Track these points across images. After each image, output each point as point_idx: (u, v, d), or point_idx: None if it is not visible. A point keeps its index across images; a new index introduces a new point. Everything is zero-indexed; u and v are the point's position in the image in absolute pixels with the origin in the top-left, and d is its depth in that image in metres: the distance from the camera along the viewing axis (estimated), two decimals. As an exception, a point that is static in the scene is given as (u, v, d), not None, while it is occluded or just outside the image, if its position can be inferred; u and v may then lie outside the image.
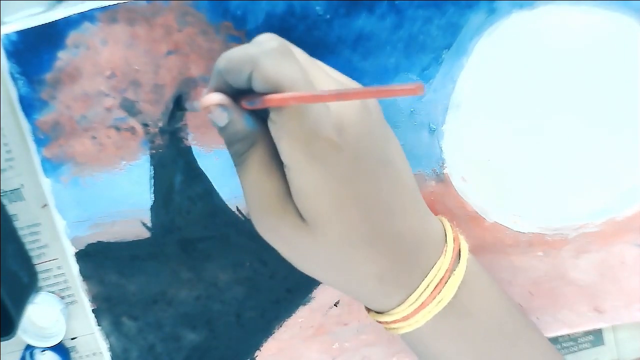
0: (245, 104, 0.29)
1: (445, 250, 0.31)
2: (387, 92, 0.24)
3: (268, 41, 0.28)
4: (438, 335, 0.32)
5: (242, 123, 0.29)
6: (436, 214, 0.33)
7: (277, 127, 0.28)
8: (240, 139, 0.29)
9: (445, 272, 0.30)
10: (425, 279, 0.30)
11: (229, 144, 0.30)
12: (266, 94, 0.27)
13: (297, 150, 0.28)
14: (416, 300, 0.30)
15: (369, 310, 0.33)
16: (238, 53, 0.28)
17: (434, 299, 0.30)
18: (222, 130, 0.30)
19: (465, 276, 0.31)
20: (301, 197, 0.29)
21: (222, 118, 0.29)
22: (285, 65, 0.27)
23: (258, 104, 0.28)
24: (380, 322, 0.32)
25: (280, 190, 0.29)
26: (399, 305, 0.31)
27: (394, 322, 0.31)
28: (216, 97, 0.29)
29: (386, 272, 0.30)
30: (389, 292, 0.31)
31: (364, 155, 0.29)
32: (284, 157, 0.28)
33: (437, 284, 0.30)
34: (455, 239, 0.32)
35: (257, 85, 0.28)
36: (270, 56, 0.27)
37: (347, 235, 0.29)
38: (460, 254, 0.32)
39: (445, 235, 0.32)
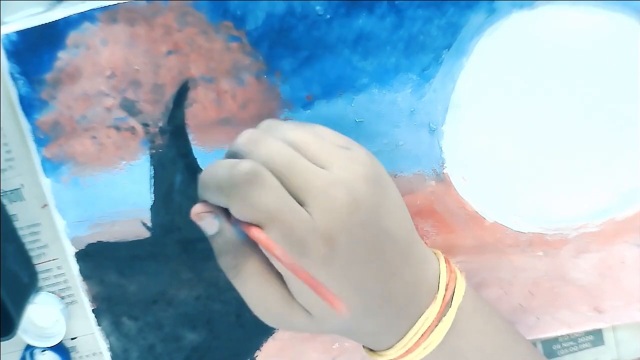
0: (232, 221, 0.29)
1: (436, 298, 0.31)
2: (320, 291, 0.26)
3: (238, 164, 0.27)
4: None
5: (232, 232, 0.29)
6: (436, 214, 0.33)
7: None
8: (231, 251, 0.29)
9: (433, 320, 0.31)
10: (413, 328, 0.31)
11: (219, 254, 0.30)
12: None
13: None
14: (403, 347, 0.31)
15: (363, 345, 0.34)
16: (212, 182, 0.28)
17: (419, 345, 0.31)
18: (212, 238, 0.30)
19: (457, 319, 0.31)
20: (302, 297, 0.29)
21: (212, 226, 0.29)
22: (258, 198, 0.27)
23: (241, 227, 0.28)
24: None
25: (283, 293, 0.30)
26: (387, 349, 0.32)
27: None
28: (205, 206, 0.29)
29: (378, 328, 0.31)
30: (379, 340, 0.32)
31: (358, 251, 0.29)
32: (278, 268, 0.29)
33: (424, 332, 0.31)
34: (449, 282, 0.31)
35: (237, 216, 0.28)
36: (241, 191, 0.27)
37: (351, 317, 0.30)
38: (454, 296, 0.31)
39: (439, 279, 0.32)
